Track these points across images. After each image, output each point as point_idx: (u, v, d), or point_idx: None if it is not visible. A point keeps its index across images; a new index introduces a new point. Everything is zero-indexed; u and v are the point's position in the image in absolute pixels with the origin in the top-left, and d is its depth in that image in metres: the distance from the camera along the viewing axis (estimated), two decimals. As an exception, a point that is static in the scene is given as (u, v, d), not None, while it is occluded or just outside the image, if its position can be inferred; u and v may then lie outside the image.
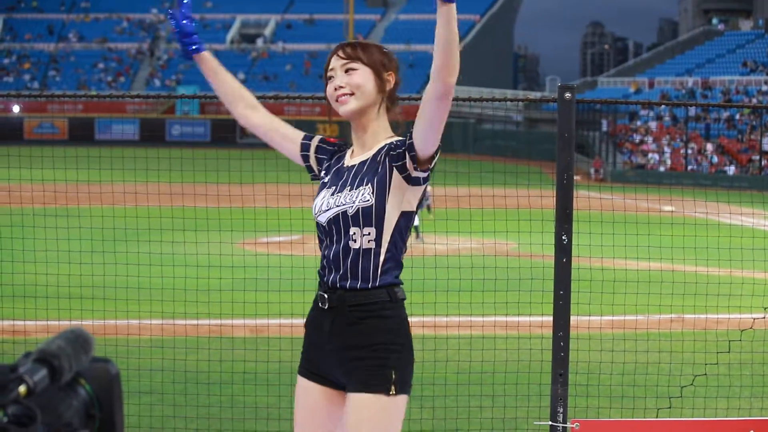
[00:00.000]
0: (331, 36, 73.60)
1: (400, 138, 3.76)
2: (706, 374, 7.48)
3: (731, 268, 11.72)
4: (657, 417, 6.93)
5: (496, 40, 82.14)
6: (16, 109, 62.87)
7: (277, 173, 9.38)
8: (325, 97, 3.88)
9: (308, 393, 3.84)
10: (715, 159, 46.74)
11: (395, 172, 3.68)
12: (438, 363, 8.17)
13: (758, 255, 9.36)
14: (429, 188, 20.81)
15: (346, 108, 3.78)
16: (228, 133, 61.66)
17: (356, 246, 3.68)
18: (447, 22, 3.38)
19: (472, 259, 9.27)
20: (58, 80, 74.30)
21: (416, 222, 20.22)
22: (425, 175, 3.70)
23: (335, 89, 3.78)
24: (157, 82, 74.25)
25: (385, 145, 3.76)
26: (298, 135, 3.98)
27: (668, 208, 21.22)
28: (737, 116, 49.99)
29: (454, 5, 3.37)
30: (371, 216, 3.67)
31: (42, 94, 10.55)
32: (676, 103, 7.00)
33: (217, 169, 9.00)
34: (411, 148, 3.64)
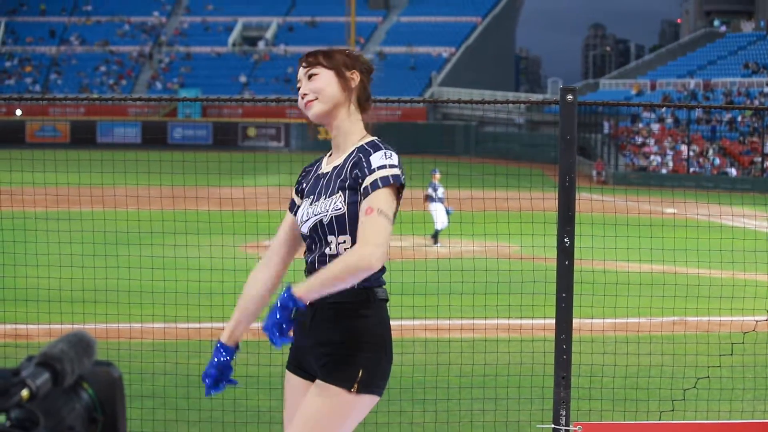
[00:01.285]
0: (332, 38, 73.57)
1: (368, 148, 3.74)
2: (708, 377, 7.47)
3: (733, 270, 11.71)
4: (660, 420, 6.92)
5: (497, 42, 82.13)
6: (18, 111, 62.91)
7: (279, 176, 9.38)
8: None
9: (293, 387, 3.91)
10: (717, 161, 46.72)
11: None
12: (440, 366, 8.16)
13: (760, 257, 9.36)
14: (443, 191, 20.51)
15: (312, 112, 3.83)
16: (229, 136, 61.67)
17: (332, 253, 3.72)
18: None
19: (474, 261, 9.26)
20: (59, 83, 74.36)
21: (440, 227, 20.11)
22: None
23: (301, 97, 3.85)
24: (159, 85, 74.30)
25: (355, 150, 3.78)
26: (290, 215, 4.00)
27: (670, 210, 21.20)
28: (739, 118, 49.94)
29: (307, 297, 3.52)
30: (344, 224, 3.71)
31: (44, 98, 10.53)
32: (678, 105, 7.00)
33: (219, 171, 9.01)
34: (366, 193, 3.66)
